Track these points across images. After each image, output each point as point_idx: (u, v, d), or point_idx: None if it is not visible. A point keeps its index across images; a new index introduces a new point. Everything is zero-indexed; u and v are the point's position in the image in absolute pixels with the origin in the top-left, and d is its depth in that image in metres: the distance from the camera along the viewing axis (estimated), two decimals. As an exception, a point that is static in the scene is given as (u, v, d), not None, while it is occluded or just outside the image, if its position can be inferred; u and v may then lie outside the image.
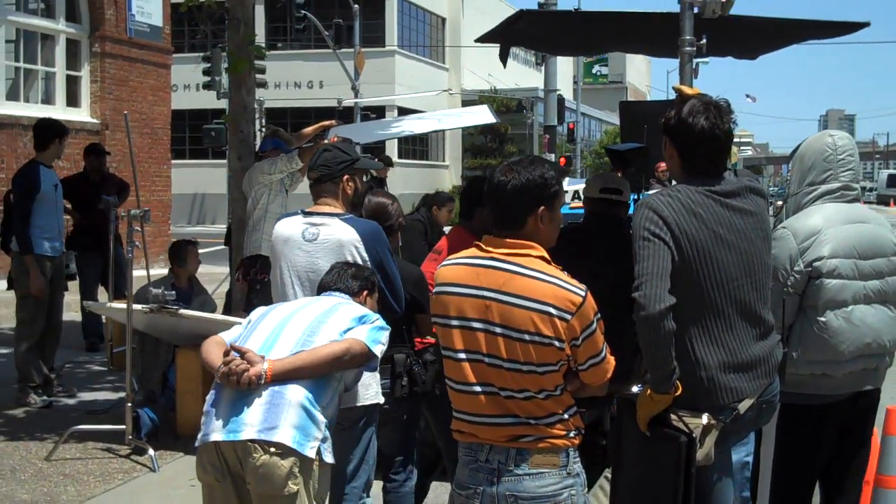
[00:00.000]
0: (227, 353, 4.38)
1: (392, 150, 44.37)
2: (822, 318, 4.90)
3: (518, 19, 7.13)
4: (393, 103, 44.29)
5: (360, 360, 4.58)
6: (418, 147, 51.05)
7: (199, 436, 4.42)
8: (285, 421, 4.28)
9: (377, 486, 6.15)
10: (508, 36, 7.65)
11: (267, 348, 4.47)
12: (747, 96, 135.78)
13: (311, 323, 4.59)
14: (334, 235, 5.31)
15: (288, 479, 4.28)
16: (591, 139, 63.57)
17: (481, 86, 50.09)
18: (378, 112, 40.88)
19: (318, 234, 5.34)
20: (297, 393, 4.34)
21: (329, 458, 4.46)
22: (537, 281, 3.86)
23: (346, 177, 5.49)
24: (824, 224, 4.95)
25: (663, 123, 4.41)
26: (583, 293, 3.87)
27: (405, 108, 43.52)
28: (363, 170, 5.74)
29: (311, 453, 4.33)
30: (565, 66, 57.84)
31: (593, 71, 75.46)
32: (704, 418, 4.24)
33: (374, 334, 4.63)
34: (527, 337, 3.82)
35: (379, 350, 4.65)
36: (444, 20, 53.64)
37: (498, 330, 3.87)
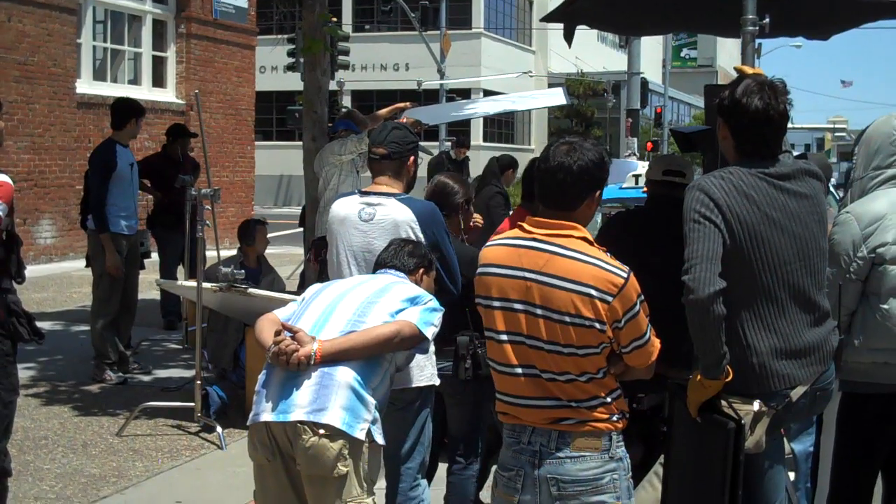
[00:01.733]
0: (278, 333, 4.38)
1: (477, 133, 44.35)
2: (885, 306, 4.77)
3: (578, -2, 7.08)
4: (478, 86, 44.17)
5: (410, 342, 4.54)
6: (504, 130, 50.93)
7: (251, 415, 4.43)
8: (334, 403, 4.27)
9: (442, 468, 6.16)
10: (570, 15, 7.57)
11: (318, 328, 4.46)
12: (842, 82, 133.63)
13: (363, 303, 4.55)
14: (390, 215, 5.31)
15: (337, 460, 4.27)
16: (679, 123, 62.85)
17: (568, 69, 49.79)
18: (463, 94, 40.78)
19: (374, 214, 5.34)
20: (346, 374, 4.32)
21: (380, 439, 4.43)
22: (578, 262, 3.82)
23: (411, 158, 5.50)
24: (889, 209, 4.81)
25: (717, 104, 4.33)
26: (625, 274, 3.83)
27: (490, 90, 43.38)
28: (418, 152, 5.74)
29: (361, 435, 4.31)
30: (654, 50, 57.33)
31: (682, 54, 74.46)
32: (756, 405, 4.16)
33: (426, 316, 4.58)
34: (567, 319, 3.79)
35: (430, 332, 4.59)
36: (531, 2, 53.34)
37: (539, 311, 3.84)
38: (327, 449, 4.26)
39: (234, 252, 10.11)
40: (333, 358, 4.32)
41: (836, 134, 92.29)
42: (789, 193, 4.19)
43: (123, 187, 9.91)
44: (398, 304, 4.58)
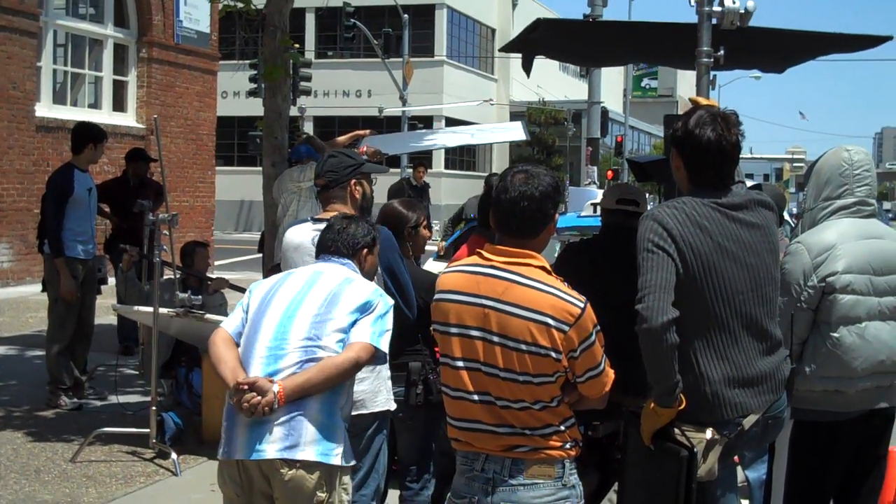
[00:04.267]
0: (236, 388, 4.27)
1: (438, 160, 44.40)
2: (836, 334, 4.83)
3: (535, 29, 7.09)
4: (440, 113, 44.30)
5: (369, 362, 4.51)
6: (465, 158, 51.04)
7: (221, 450, 4.41)
8: (306, 437, 4.28)
9: (393, 494, 6.15)
10: (529, 45, 7.60)
11: (273, 360, 4.37)
12: (800, 113, 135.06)
13: (314, 321, 4.44)
14: (343, 241, 5.29)
15: (316, 490, 4.30)
16: (639, 152, 63.24)
17: (530, 97, 50.01)
18: (425, 121, 40.91)
19: (327, 241, 5.33)
20: (314, 406, 4.33)
21: (352, 460, 4.48)
22: (536, 291, 3.84)
23: (353, 181, 5.50)
24: (839, 239, 4.88)
25: (670, 134, 4.37)
26: (582, 304, 3.84)
27: (452, 118, 43.54)
28: (370, 174, 5.73)
29: (337, 461, 4.34)
30: (614, 80, 57.74)
31: (642, 84, 75.09)
32: (708, 433, 4.19)
33: (378, 326, 4.50)
34: (524, 347, 3.81)
35: (385, 342, 4.51)
36: (493, 31, 53.62)
37: (496, 339, 3.85)
38: (306, 480, 4.29)
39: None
40: (296, 396, 4.29)
41: (795, 164, 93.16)
42: (741, 223, 4.24)
43: (80, 212, 9.85)
44: (349, 317, 4.47)
